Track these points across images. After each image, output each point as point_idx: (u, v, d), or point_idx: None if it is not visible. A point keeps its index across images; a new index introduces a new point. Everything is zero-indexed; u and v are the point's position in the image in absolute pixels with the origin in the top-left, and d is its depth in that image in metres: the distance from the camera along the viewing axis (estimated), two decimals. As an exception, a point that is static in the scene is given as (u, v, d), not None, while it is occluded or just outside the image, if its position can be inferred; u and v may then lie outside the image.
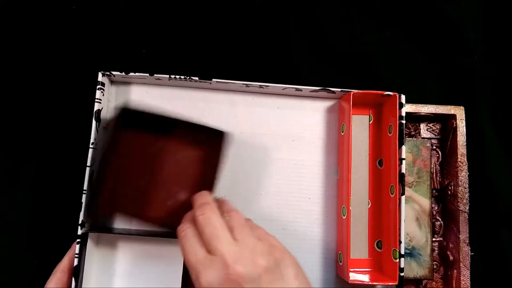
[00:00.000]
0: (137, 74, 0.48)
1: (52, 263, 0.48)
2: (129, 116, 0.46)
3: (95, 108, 0.47)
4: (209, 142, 0.47)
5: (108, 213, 0.46)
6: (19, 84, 0.55)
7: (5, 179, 0.53)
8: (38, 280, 0.50)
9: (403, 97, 0.49)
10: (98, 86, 0.48)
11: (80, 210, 0.45)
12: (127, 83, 0.52)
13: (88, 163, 0.46)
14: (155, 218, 0.46)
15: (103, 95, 0.49)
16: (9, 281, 0.52)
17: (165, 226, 0.46)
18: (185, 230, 0.38)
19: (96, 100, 0.47)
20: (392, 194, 0.48)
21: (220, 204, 0.41)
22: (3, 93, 0.55)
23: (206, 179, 0.47)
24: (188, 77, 0.49)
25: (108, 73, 0.48)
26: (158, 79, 0.49)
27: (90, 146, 0.46)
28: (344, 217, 0.48)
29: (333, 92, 0.50)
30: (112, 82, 0.51)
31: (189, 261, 0.36)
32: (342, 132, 0.51)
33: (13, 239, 0.53)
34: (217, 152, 0.47)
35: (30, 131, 0.54)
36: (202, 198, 0.41)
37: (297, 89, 0.50)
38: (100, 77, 0.48)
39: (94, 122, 0.47)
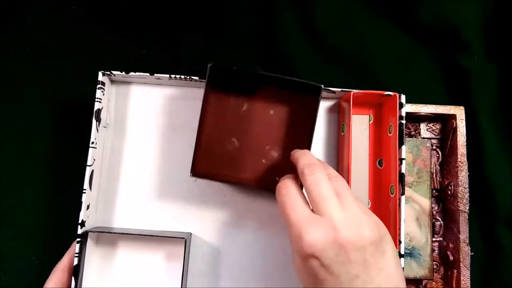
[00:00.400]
0: (137, 73, 0.49)
1: (52, 263, 0.48)
2: (217, 74, 0.46)
3: (95, 108, 0.47)
4: (300, 98, 0.48)
5: (203, 175, 0.47)
6: (20, 84, 0.55)
7: (5, 179, 0.54)
8: (38, 280, 0.50)
9: (403, 97, 0.49)
10: (98, 86, 0.48)
11: (80, 210, 0.45)
12: (127, 82, 0.52)
13: (89, 162, 0.46)
14: (248, 179, 0.48)
15: (103, 94, 0.49)
16: (9, 281, 0.52)
17: (260, 186, 0.48)
18: (288, 187, 0.38)
19: (96, 99, 0.47)
20: (392, 194, 0.48)
21: (325, 167, 0.40)
22: (6, 92, 0.55)
23: (300, 136, 0.47)
24: (188, 77, 0.49)
25: (108, 72, 0.48)
26: (158, 78, 0.49)
27: (90, 145, 0.46)
28: (344, 217, 0.48)
29: (333, 92, 0.50)
30: (112, 81, 0.52)
31: (292, 218, 0.36)
32: (342, 132, 0.51)
33: (13, 239, 0.52)
34: (310, 107, 0.47)
35: (30, 130, 0.55)
36: (308, 157, 0.40)
37: (297, 89, 0.50)
38: (100, 77, 0.48)
39: (94, 121, 0.47)
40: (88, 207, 0.46)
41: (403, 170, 0.47)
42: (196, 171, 0.46)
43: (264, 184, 0.48)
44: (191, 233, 0.50)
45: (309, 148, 0.45)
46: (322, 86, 0.46)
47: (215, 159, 0.48)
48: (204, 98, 0.46)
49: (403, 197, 0.47)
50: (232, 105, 0.49)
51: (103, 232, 0.47)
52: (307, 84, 0.46)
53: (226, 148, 0.48)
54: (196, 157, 0.46)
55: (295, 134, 0.49)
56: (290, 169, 0.46)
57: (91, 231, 0.46)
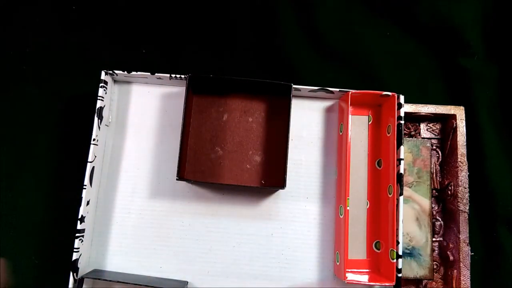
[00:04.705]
0: (139, 73, 0.49)
1: (52, 262, 0.49)
2: (196, 82, 0.49)
3: (98, 106, 0.48)
4: (274, 101, 0.52)
5: (192, 180, 0.50)
6: (20, 84, 0.56)
7: (5, 179, 0.54)
8: (38, 280, 0.50)
9: (401, 98, 0.49)
10: (100, 84, 0.49)
11: (80, 205, 0.46)
12: (129, 82, 0.53)
13: (90, 159, 0.47)
14: (234, 180, 0.51)
15: (106, 93, 0.50)
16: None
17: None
18: None
19: (98, 97, 0.48)
20: (390, 194, 0.48)
21: None
22: (6, 92, 0.56)
23: (278, 138, 0.50)
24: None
25: (110, 72, 0.49)
26: (160, 78, 0.50)
27: (92, 142, 0.47)
28: (341, 217, 0.48)
29: (332, 92, 0.50)
30: (115, 81, 0.53)
31: None
32: (341, 132, 0.51)
33: (13, 239, 0.53)
34: (284, 108, 0.49)
35: (31, 130, 0.55)
36: None
37: (296, 89, 0.50)
38: (103, 75, 0.49)
39: (96, 119, 0.48)
40: (88, 203, 0.47)
41: (401, 171, 0.47)
42: (183, 178, 0.49)
43: (250, 184, 0.50)
44: (187, 282, 0.50)
45: (286, 147, 0.47)
46: (292, 85, 0.48)
47: (200, 168, 0.51)
48: (186, 108, 0.48)
49: (401, 198, 0.47)
50: (213, 117, 0.51)
51: (99, 279, 0.46)
52: (278, 85, 0.49)
53: (211, 157, 0.51)
54: (182, 166, 0.48)
55: (274, 137, 0.51)
56: (274, 171, 0.50)
57: (87, 277, 0.46)
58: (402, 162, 0.47)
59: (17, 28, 0.57)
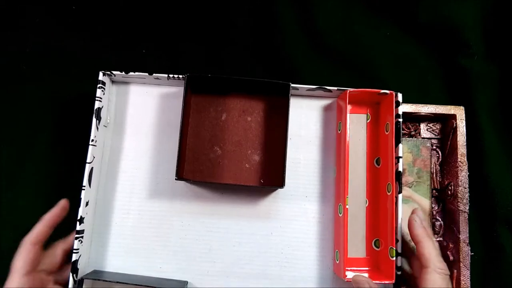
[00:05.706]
0: (136, 73, 0.49)
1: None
2: (194, 82, 0.49)
3: (96, 106, 0.48)
4: (272, 100, 0.52)
5: (191, 180, 0.50)
6: (20, 84, 0.56)
7: (5, 179, 0.54)
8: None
9: (399, 96, 0.49)
10: (98, 85, 0.49)
11: (79, 206, 0.46)
12: (127, 82, 0.53)
13: (88, 160, 0.47)
14: (233, 180, 0.51)
15: (104, 93, 0.50)
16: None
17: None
18: None
19: (96, 98, 0.48)
20: (388, 192, 0.48)
21: None
22: (5, 92, 0.56)
23: (277, 137, 0.51)
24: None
25: (108, 72, 0.50)
26: (157, 78, 0.50)
27: (90, 143, 0.47)
28: (340, 215, 0.48)
29: (330, 90, 0.50)
30: (113, 82, 0.53)
31: None
32: (339, 130, 0.51)
33: (13, 239, 0.52)
34: (282, 108, 0.49)
35: (30, 130, 0.55)
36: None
37: (294, 88, 0.50)
38: (101, 76, 0.49)
39: (94, 120, 0.48)
40: (87, 203, 0.47)
41: (400, 169, 0.47)
42: (182, 178, 0.49)
43: (249, 183, 0.51)
44: (187, 282, 0.50)
45: (285, 146, 0.47)
46: (291, 84, 0.48)
47: (199, 168, 0.51)
48: (184, 108, 0.48)
49: (400, 195, 0.47)
50: (212, 116, 0.51)
51: (99, 279, 0.46)
52: (276, 84, 0.48)
53: (210, 157, 0.51)
54: (181, 166, 0.48)
55: (273, 136, 0.51)
56: (273, 170, 0.50)
57: (86, 278, 0.46)
58: (400, 160, 0.47)
59: (17, 28, 0.58)
